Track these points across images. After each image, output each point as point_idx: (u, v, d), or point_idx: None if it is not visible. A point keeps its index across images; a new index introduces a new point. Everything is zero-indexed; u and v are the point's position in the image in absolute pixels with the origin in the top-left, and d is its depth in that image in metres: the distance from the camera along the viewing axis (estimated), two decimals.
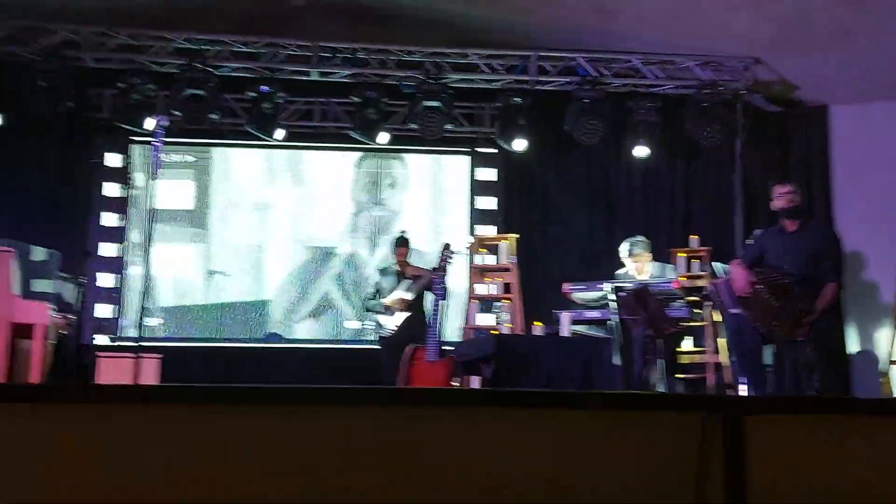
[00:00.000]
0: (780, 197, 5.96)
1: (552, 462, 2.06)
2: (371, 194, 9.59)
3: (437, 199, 9.68)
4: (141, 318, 4.30)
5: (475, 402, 2.17)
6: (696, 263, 8.64)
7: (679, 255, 8.67)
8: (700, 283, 8.26)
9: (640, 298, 6.08)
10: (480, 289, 8.73)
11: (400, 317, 7.23)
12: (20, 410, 1.99)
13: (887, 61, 8.09)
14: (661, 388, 6.89)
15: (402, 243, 7.59)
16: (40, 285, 6.96)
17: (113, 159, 9.26)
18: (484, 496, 2.04)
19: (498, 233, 9.17)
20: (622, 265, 7.31)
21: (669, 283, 6.62)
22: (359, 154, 9.60)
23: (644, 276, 7.08)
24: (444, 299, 6.42)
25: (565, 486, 2.05)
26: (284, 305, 9.33)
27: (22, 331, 5.83)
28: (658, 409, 2.16)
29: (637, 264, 7.21)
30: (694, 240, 8.71)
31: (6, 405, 2.00)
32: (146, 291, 4.48)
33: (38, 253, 7.09)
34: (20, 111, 8.25)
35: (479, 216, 9.59)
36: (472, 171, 9.73)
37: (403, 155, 9.68)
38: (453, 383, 6.20)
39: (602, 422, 2.11)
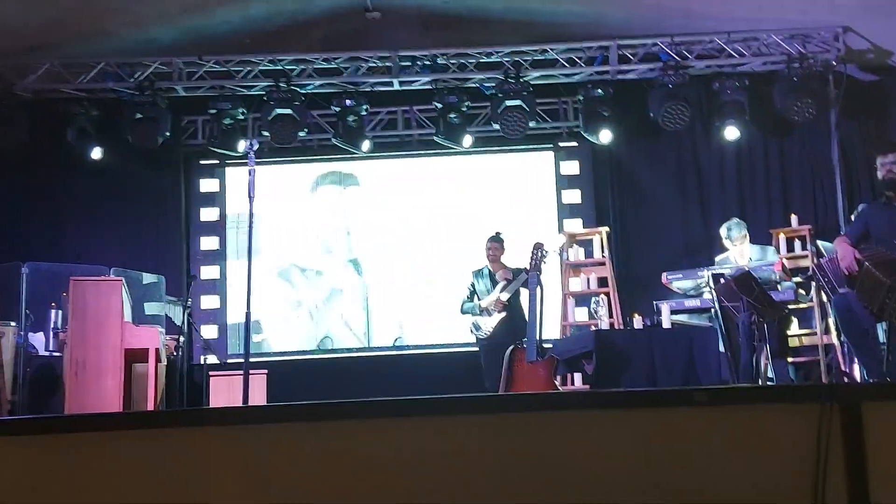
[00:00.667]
0: (883, 167, 5.69)
1: (662, 461, 2.04)
2: (457, 197, 9.63)
3: (525, 197, 9.65)
4: (247, 336, 4.44)
5: (579, 405, 2.16)
6: (798, 243, 8.37)
7: (780, 235, 8.43)
8: (804, 263, 8.01)
9: (741, 284, 5.92)
10: (575, 284, 8.67)
11: (497, 318, 7.24)
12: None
13: None
14: (770, 375, 6.71)
15: (495, 244, 7.59)
16: (151, 309, 7.26)
17: (208, 185, 9.57)
18: (596, 497, 2.04)
19: (585, 226, 9.09)
20: (724, 249, 7.15)
21: (771, 265, 6.44)
22: (444, 158, 9.65)
23: (744, 260, 6.91)
24: (539, 298, 6.39)
25: (677, 485, 2.02)
26: (386, 312, 9.46)
27: (136, 355, 6.08)
28: (770, 401, 2.11)
29: (737, 247, 7.03)
30: (794, 219, 8.45)
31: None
32: (248, 310, 4.61)
33: (147, 278, 7.40)
34: (119, 144, 8.62)
35: (566, 211, 9.54)
36: (557, 167, 9.67)
37: (488, 156, 9.68)
38: (555, 382, 6.18)
39: (711, 417, 2.07)
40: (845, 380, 6.63)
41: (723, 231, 7.14)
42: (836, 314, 6.06)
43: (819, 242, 7.70)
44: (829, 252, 6.10)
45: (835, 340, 7.46)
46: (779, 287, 6.41)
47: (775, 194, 9.04)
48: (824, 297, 7.13)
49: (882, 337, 5.74)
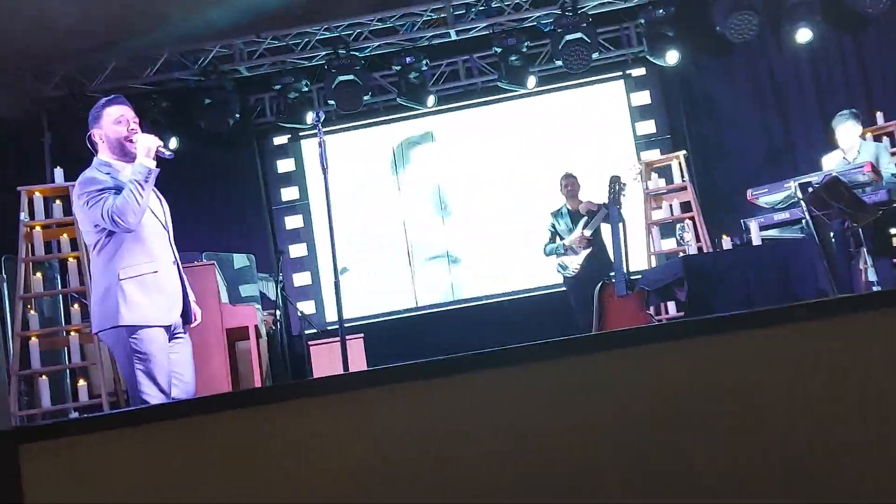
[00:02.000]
0: None
1: (765, 383, 2.02)
2: (529, 140, 9.55)
3: (598, 131, 9.52)
4: (339, 303, 4.53)
5: (675, 336, 2.15)
6: (886, 140, 8.05)
7: (867, 134, 8.10)
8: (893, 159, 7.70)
9: (831, 190, 5.73)
10: (657, 213, 8.54)
11: (583, 255, 7.21)
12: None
13: None
14: (872, 278, 6.51)
15: (570, 181, 7.53)
16: (246, 290, 7.47)
17: (284, 165, 9.72)
18: (704, 427, 2.04)
19: (662, 154, 8.92)
20: (837, 145, 6.92)
21: (861, 167, 6.21)
22: (511, 102, 9.57)
23: (852, 154, 6.68)
24: (623, 230, 6.33)
25: (783, 406, 2.00)
26: (469, 263, 9.53)
27: (237, 334, 6.28)
28: (871, 308, 2.05)
29: (844, 140, 6.79)
30: (880, 116, 8.10)
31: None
32: (337, 279, 4.70)
33: (238, 259, 7.60)
34: (193, 131, 8.82)
35: (642, 140, 9.38)
36: (628, 96, 9.49)
37: (556, 94, 9.56)
38: (648, 313, 6.13)
39: (813, 333, 2.04)
40: None
41: (833, 124, 6.91)
42: None
43: None
44: None
45: None
46: (869, 189, 6.18)
47: (857, 94, 8.70)
48: None
49: None
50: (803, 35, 8.26)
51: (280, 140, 9.71)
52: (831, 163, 6.88)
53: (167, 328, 3.70)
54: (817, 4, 8.16)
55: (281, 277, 7.29)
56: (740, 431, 2.02)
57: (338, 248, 4.71)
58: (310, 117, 8.71)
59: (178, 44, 8.66)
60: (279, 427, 2.11)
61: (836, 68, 8.85)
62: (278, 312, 7.14)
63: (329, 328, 8.97)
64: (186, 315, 3.83)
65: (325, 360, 7.07)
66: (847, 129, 6.83)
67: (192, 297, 3.89)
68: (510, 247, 9.40)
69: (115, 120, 3.75)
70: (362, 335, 7.59)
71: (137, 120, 3.83)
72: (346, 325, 4.69)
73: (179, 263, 3.84)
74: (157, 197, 3.85)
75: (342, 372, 4.51)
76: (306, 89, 8.95)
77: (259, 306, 6.79)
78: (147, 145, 3.68)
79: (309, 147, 9.56)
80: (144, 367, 3.58)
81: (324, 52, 8.75)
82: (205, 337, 6.34)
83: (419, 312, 9.45)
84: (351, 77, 8.53)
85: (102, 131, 3.76)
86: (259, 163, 9.67)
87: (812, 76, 8.89)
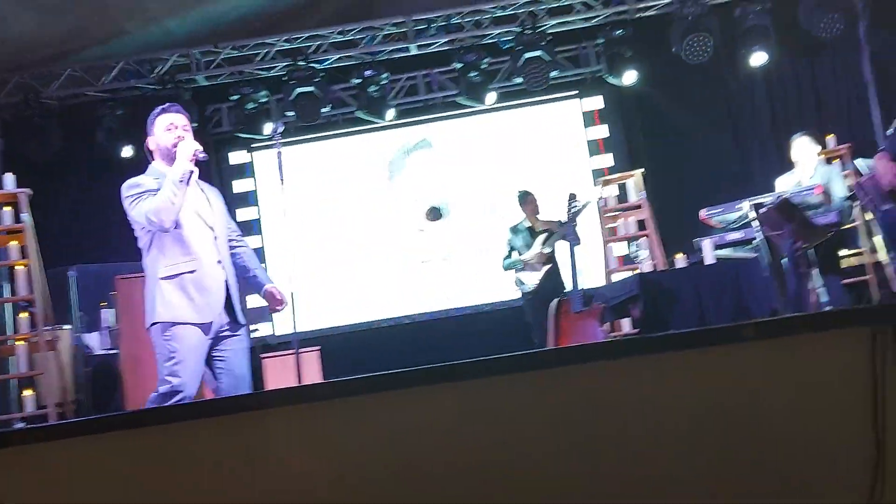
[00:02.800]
0: None
1: (716, 400, 2.04)
2: (485, 156, 9.59)
3: (556, 147, 9.60)
4: (294, 315, 4.48)
5: (628, 352, 2.16)
6: (837, 163, 8.21)
7: (819, 157, 8.26)
8: (847, 182, 7.86)
9: (782, 212, 5.83)
10: (614, 230, 8.61)
11: (541, 271, 7.24)
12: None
13: None
14: (824, 300, 6.63)
15: (527, 198, 7.56)
16: None
17: (241, 185, 9.60)
18: (653, 443, 2.05)
19: (618, 170, 9.01)
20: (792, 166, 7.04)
21: (811, 190, 6.33)
22: (469, 118, 9.60)
23: (806, 178, 6.80)
24: (578, 247, 6.36)
25: (734, 423, 2.02)
26: (424, 276, 9.51)
27: None
28: (818, 329, 2.08)
29: (802, 161, 6.91)
30: (831, 139, 8.27)
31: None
32: (292, 291, 4.65)
33: None
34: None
35: (598, 157, 9.48)
36: (585, 114, 9.58)
37: (515, 110, 9.61)
38: (603, 330, 6.17)
39: (761, 351, 2.06)
40: None
41: (791, 144, 7.02)
42: (883, 230, 5.96)
43: (858, 161, 7.54)
44: (870, 169, 5.97)
45: (883, 258, 7.34)
46: (819, 210, 6.30)
47: (809, 117, 8.86)
48: (868, 216, 7.01)
49: None
50: (758, 58, 8.41)
51: (236, 159, 9.61)
52: (786, 184, 6.99)
53: (205, 326, 3.70)
54: (772, 28, 8.32)
55: None
56: (691, 445, 2.03)
57: (296, 260, 4.67)
58: (268, 128, 8.65)
59: (136, 53, 8.56)
60: (233, 438, 2.08)
61: (791, 91, 9.02)
62: None
63: (284, 341, 8.88)
64: (234, 313, 3.85)
65: (278, 375, 6.99)
66: (805, 151, 6.95)
67: (235, 297, 3.86)
68: (468, 261, 9.41)
69: (165, 128, 3.87)
70: (319, 348, 7.52)
71: (189, 126, 3.93)
72: (303, 338, 4.65)
73: (227, 262, 3.87)
74: (206, 197, 3.92)
75: (294, 385, 4.47)
76: (264, 100, 8.87)
77: None
78: (187, 149, 3.77)
79: (264, 159, 9.49)
80: (171, 363, 3.64)
81: (283, 64, 8.70)
82: (151, 351, 6.24)
83: (378, 326, 9.40)
84: (310, 89, 8.48)
85: (155, 139, 3.91)
86: (215, 172, 9.55)
87: (766, 98, 9.06)
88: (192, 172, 3.77)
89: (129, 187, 3.81)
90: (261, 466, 2.06)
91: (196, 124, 8.65)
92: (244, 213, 9.48)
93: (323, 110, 8.70)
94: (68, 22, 7.70)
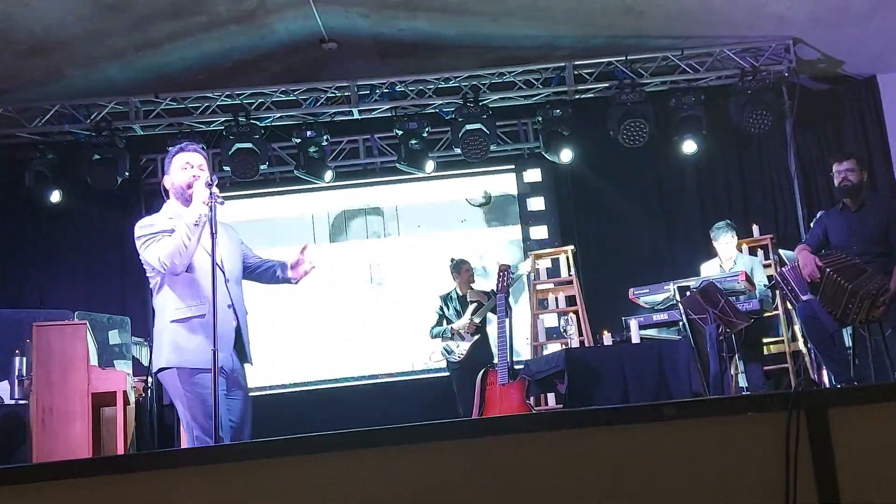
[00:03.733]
0: (838, 175, 5.74)
1: (636, 477, 2.04)
2: (424, 222, 9.64)
3: (489, 219, 9.70)
4: (215, 372, 4.35)
5: (551, 426, 2.16)
6: (760, 253, 8.47)
7: (742, 245, 8.52)
8: (767, 272, 8.10)
9: (707, 296, 5.97)
10: (543, 304, 8.69)
11: (470, 341, 7.24)
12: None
13: None
14: (743, 384, 6.76)
15: (462, 267, 7.60)
16: (116, 351, 7.15)
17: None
18: None
19: (550, 245, 9.13)
20: (715, 254, 7.25)
21: (736, 276, 6.50)
22: (404, 185, 9.66)
23: (729, 264, 7.02)
24: (508, 319, 6.40)
25: (652, 500, 2.02)
26: (348, 343, 9.41)
27: (104, 399, 5.98)
28: (736, 411, 2.12)
29: (722, 250, 7.14)
30: (756, 229, 8.55)
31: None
32: (215, 347, 4.54)
33: (111, 321, 7.29)
34: (78, 186, 8.52)
35: (530, 232, 9.59)
36: (520, 188, 9.73)
37: (451, 180, 9.71)
38: (528, 403, 6.17)
39: (680, 431, 2.08)
40: (814, 387, 6.69)
41: (711, 234, 7.25)
42: (801, 321, 6.13)
43: (781, 251, 7.80)
44: (791, 260, 6.17)
45: (802, 347, 7.55)
46: (742, 297, 6.48)
47: (736, 205, 9.16)
48: (789, 305, 7.22)
49: (847, 342, 5.82)
50: (689, 146, 8.70)
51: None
52: (709, 270, 7.19)
53: (217, 371, 3.59)
54: (705, 119, 8.63)
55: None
56: None
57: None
58: None
59: (73, 97, 8.44)
60: (140, 497, 2.01)
61: (719, 181, 9.33)
62: (150, 379, 6.85)
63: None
64: (244, 356, 3.86)
65: None
66: (725, 240, 7.18)
67: (245, 340, 3.89)
68: (395, 328, 9.35)
69: (181, 167, 3.86)
70: None
71: (205, 165, 3.90)
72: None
73: (237, 306, 3.85)
74: (220, 238, 3.80)
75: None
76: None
77: (129, 372, 6.49)
78: (203, 191, 3.71)
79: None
80: (188, 408, 3.64)
81: (223, 118, 8.67)
82: (69, 399, 6.02)
83: (303, 388, 9.23)
84: (249, 145, 8.45)
85: (170, 178, 3.90)
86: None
87: (696, 186, 9.34)
88: (206, 216, 3.72)
89: (141, 227, 3.81)
90: None
91: (129, 173, 8.55)
92: None
93: (261, 167, 8.66)
94: (4, 60, 7.57)
